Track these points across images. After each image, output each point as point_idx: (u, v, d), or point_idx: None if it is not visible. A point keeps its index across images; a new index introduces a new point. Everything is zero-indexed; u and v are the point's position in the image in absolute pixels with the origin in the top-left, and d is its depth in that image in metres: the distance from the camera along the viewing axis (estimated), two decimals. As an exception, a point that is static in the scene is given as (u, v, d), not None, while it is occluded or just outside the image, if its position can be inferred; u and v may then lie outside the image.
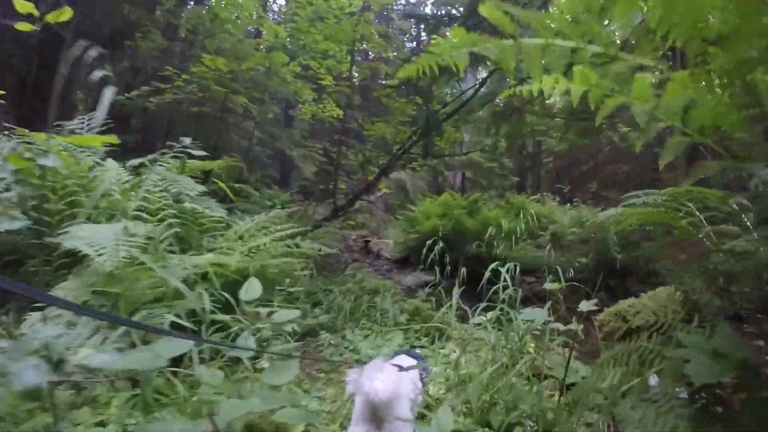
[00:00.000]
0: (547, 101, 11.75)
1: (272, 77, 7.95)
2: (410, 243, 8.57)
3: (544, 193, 10.28)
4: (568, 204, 9.93)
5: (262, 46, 8.24)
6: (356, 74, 7.96)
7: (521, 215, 9.00)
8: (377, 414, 1.67)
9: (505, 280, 2.81)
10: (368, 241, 11.88)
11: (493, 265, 2.68)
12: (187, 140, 3.71)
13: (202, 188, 3.08)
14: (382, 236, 12.18)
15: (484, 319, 2.14)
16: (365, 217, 15.70)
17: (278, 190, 11.91)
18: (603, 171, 11.51)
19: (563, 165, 13.04)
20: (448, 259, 4.98)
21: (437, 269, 4.38)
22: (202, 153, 3.68)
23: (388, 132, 7.19)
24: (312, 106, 9.81)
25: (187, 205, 2.80)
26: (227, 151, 9.32)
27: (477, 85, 6.24)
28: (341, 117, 8.29)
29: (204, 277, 2.48)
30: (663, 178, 12.83)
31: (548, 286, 2.01)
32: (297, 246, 3.31)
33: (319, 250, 4.03)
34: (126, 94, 6.84)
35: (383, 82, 9.17)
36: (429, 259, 4.73)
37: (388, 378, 1.67)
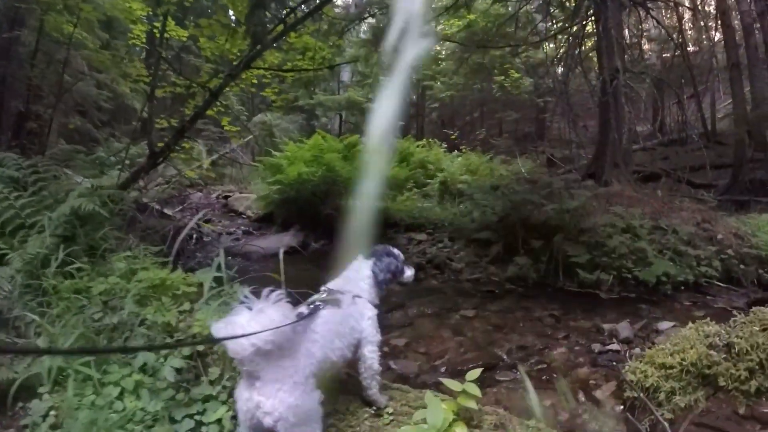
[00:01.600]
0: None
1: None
2: (274, 196, 6.87)
3: (431, 139, 9.18)
4: (456, 151, 8.97)
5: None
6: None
7: (406, 162, 7.81)
8: (245, 370, 1.28)
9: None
10: (228, 197, 9.88)
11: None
12: None
13: None
14: (247, 191, 10.29)
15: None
16: (230, 169, 13.54)
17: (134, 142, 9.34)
18: (491, 119, 10.82)
19: (448, 113, 12.16)
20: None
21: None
22: None
23: (222, 44, 5.23)
24: (145, 25, 7.32)
25: None
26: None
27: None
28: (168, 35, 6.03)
29: None
30: (549, 127, 12.65)
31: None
32: None
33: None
34: None
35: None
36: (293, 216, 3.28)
37: (257, 325, 1.19)
